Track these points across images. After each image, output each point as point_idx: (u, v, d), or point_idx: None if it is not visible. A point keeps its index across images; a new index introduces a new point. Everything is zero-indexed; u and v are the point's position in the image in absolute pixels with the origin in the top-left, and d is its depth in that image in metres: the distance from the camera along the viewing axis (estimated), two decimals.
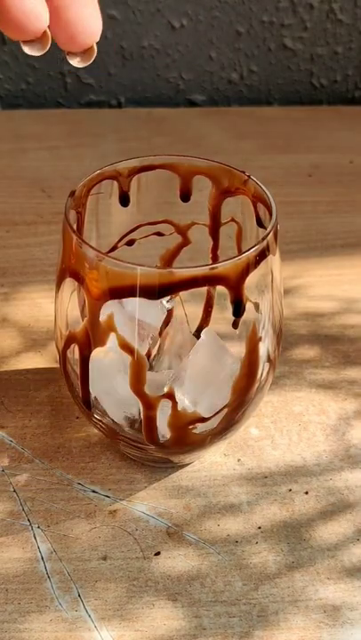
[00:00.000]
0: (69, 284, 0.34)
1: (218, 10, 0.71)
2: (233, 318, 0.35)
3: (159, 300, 0.33)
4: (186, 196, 0.39)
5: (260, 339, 0.34)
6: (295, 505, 0.38)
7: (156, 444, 0.36)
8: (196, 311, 0.41)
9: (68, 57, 0.27)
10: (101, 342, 0.33)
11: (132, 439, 0.36)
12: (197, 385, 0.35)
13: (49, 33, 0.26)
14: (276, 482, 0.39)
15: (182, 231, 0.40)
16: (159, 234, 0.40)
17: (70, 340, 0.35)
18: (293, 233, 0.56)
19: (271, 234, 0.32)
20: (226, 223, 0.39)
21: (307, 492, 0.38)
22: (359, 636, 0.33)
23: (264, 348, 0.35)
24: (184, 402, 0.34)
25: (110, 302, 0.31)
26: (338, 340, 0.47)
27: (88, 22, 0.26)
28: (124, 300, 0.32)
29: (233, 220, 0.39)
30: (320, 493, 0.38)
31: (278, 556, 0.35)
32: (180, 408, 0.34)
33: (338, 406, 0.43)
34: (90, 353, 0.33)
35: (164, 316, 0.36)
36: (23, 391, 0.43)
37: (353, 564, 0.35)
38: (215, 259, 0.40)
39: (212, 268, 0.31)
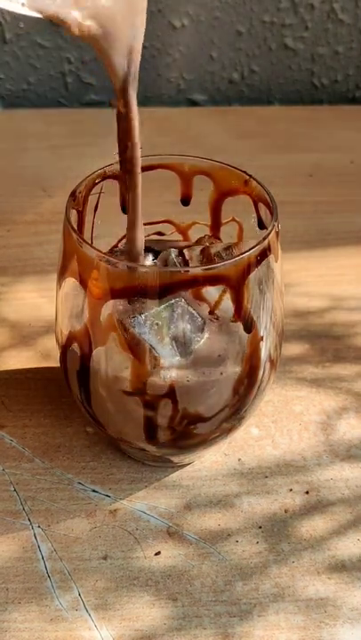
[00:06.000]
0: (70, 283, 0.34)
1: (219, 10, 0.71)
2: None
3: None
4: (186, 200, 0.39)
5: (262, 338, 0.34)
6: (296, 505, 0.38)
7: (157, 444, 0.36)
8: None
9: None
10: (102, 342, 0.33)
11: (132, 439, 0.36)
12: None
13: None
14: (277, 481, 0.39)
15: (183, 231, 0.40)
16: (160, 234, 0.40)
17: (71, 339, 0.35)
18: (294, 233, 0.56)
19: (272, 233, 0.32)
20: (227, 223, 0.39)
21: (307, 492, 0.38)
22: (360, 635, 0.33)
23: (265, 348, 0.35)
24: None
25: None
26: (339, 340, 0.47)
27: None
28: None
29: (234, 219, 0.38)
30: (321, 493, 0.38)
31: (279, 555, 0.35)
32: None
33: (338, 406, 0.43)
34: (91, 352, 0.33)
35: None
36: (23, 391, 0.43)
37: (353, 564, 0.35)
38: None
39: (213, 268, 0.31)
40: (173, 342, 0.33)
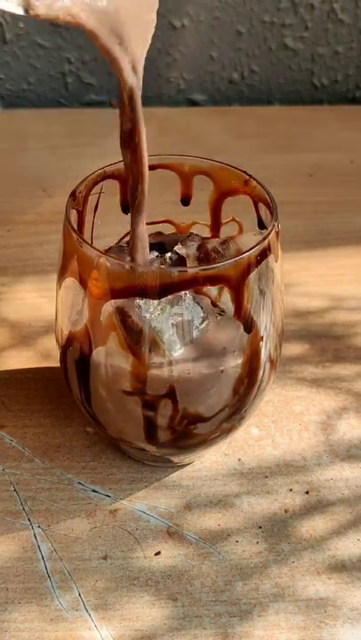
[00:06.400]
0: (70, 283, 0.34)
1: (219, 10, 0.71)
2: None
3: None
4: (186, 200, 0.39)
5: (262, 338, 0.34)
6: (296, 505, 0.38)
7: (157, 444, 0.36)
8: None
9: None
10: (102, 341, 0.33)
11: (132, 439, 0.36)
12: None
13: None
14: (277, 481, 0.39)
15: (183, 231, 0.40)
16: (160, 234, 0.40)
17: (71, 339, 0.35)
18: (294, 233, 0.56)
19: (272, 233, 0.32)
20: (227, 223, 0.39)
21: (307, 492, 0.38)
22: (360, 636, 0.33)
23: (265, 348, 0.35)
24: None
25: None
26: (339, 340, 0.47)
27: None
28: None
29: (234, 219, 0.38)
30: (321, 493, 0.38)
31: (279, 555, 0.35)
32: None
33: (338, 406, 0.43)
34: (91, 352, 0.33)
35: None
36: (23, 391, 0.43)
37: (353, 564, 0.35)
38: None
39: (213, 268, 0.31)
40: (175, 329, 0.33)
